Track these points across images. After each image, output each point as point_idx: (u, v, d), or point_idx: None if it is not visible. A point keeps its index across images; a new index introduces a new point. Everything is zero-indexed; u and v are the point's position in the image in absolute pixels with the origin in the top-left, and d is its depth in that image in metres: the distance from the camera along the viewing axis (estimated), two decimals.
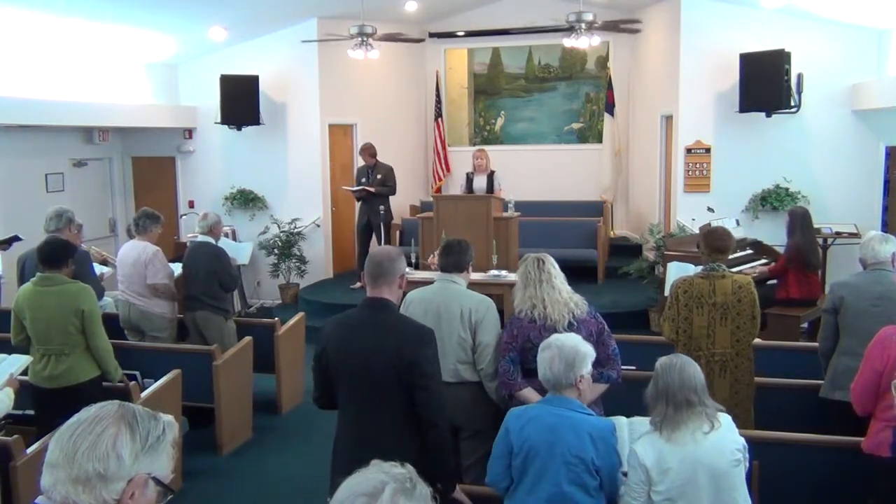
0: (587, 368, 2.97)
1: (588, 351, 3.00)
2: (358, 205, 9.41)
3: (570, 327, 3.58)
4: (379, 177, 9.02)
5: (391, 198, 9.18)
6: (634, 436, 3.18)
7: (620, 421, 3.41)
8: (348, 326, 3.11)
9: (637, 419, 3.31)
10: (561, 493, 2.81)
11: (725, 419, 2.93)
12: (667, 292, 4.95)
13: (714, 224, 7.19)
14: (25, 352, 4.50)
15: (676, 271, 5.60)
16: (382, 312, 3.09)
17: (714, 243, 4.39)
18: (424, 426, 3.01)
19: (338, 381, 3.11)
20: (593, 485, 2.84)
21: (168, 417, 1.58)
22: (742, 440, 2.94)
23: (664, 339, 4.51)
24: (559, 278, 3.76)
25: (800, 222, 6.57)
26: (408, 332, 3.05)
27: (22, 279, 5.54)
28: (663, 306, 7.40)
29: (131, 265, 5.98)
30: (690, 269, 5.24)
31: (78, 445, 1.44)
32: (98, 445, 1.44)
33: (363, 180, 9.07)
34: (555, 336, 3.09)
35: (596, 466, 2.83)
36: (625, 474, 3.00)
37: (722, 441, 2.86)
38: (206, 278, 5.97)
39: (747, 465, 3.00)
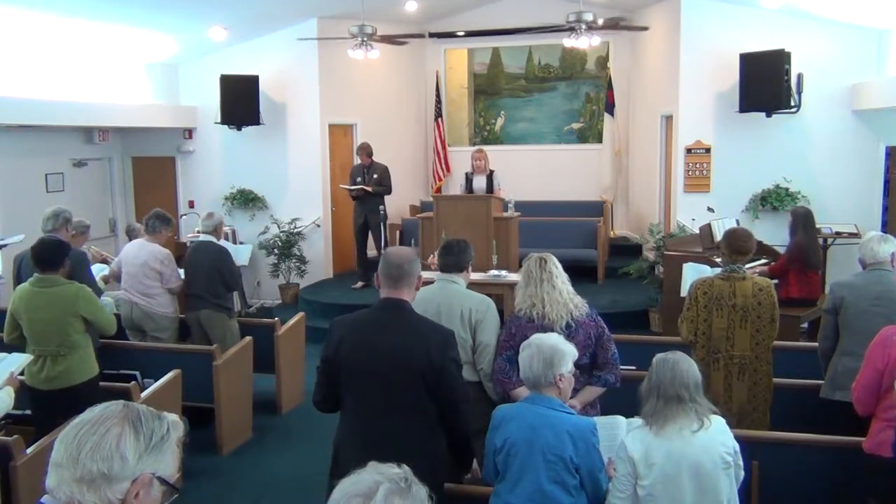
0: (567, 367, 2.96)
1: (568, 350, 3.00)
2: (354, 204, 9.39)
3: (568, 328, 3.57)
4: (375, 176, 9.03)
5: (386, 197, 9.18)
6: None
7: (619, 421, 3.41)
8: (366, 328, 3.06)
9: (636, 419, 3.30)
10: (541, 491, 2.82)
11: (718, 421, 2.92)
12: (684, 293, 4.92)
13: (714, 224, 7.21)
14: (20, 350, 4.47)
15: (693, 272, 5.57)
16: (403, 314, 3.07)
17: (735, 244, 4.37)
18: (451, 425, 3.03)
19: (350, 383, 3.05)
20: (573, 483, 2.84)
21: (173, 417, 1.58)
22: (734, 444, 2.91)
23: (664, 340, 4.51)
24: (560, 278, 3.74)
25: (802, 222, 6.57)
26: (433, 335, 3.03)
27: (18, 279, 5.52)
28: (664, 307, 7.42)
29: (139, 266, 5.97)
30: (707, 270, 5.21)
31: (82, 445, 1.44)
32: (102, 446, 1.44)
33: (358, 179, 9.07)
34: (536, 335, 3.09)
35: (575, 465, 2.83)
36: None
37: (710, 441, 2.85)
38: (210, 277, 5.96)
39: (743, 472, 2.97)
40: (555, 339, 3.03)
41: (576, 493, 2.86)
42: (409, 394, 2.97)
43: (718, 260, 5.36)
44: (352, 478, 1.50)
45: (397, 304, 3.07)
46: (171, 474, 1.53)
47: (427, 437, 3.01)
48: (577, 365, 3.16)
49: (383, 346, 2.98)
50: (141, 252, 6.03)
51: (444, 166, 11.43)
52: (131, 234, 7.20)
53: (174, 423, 1.56)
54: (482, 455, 3.79)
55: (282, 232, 9.74)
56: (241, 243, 8.75)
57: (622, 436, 3.21)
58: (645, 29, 9.49)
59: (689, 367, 2.92)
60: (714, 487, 2.83)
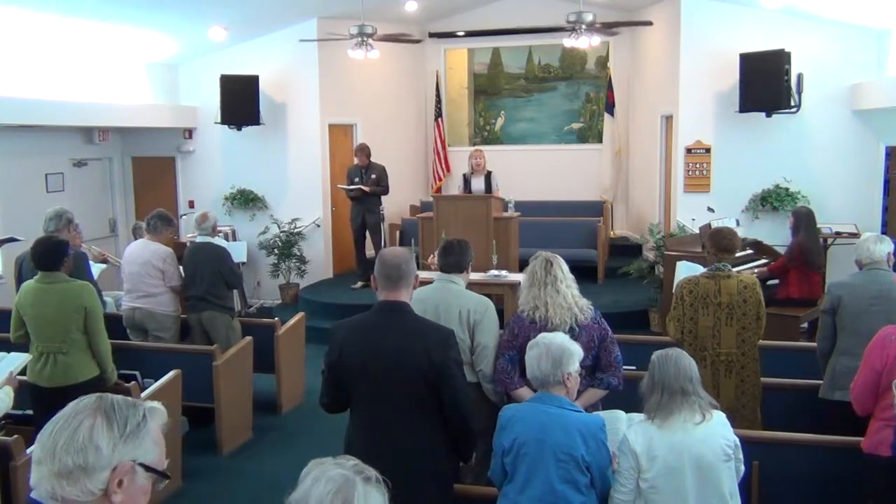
0: (574, 367, 2.99)
1: (575, 350, 3.02)
2: (350, 205, 9.39)
3: (572, 332, 3.56)
4: (373, 177, 9.03)
5: (384, 197, 9.19)
6: None
7: (619, 415, 3.41)
8: (368, 331, 3.07)
9: (636, 414, 3.31)
10: (552, 491, 2.82)
11: (719, 415, 2.96)
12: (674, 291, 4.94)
13: (714, 224, 7.21)
14: (24, 349, 4.48)
15: (686, 270, 5.59)
16: (403, 316, 3.08)
17: (720, 242, 4.41)
18: (453, 423, 3.02)
19: (355, 385, 3.07)
20: (584, 482, 2.85)
21: (151, 404, 1.56)
22: (734, 438, 2.95)
23: (664, 339, 4.52)
24: (565, 282, 3.71)
25: (804, 222, 6.58)
26: (433, 335, 3.04)
27: (19, 279, 5.53)
28: (664, 306, 7.41)
29: (141, 265, 5.98)
30: (699, 270, 5.23)
31: (57, 440, 1.44)
32: (75, 438, 1.44)
33: (356, 180, 9.07)
34: (543, 334, 3.11)
35: (586, 463, 2.85)
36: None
37: (711, 433, 2.89)
38: (212, 278, 5.97)
39: (743, 466, 3.00)
40: (562, 339, 3.06)
41: (586, 492, 2.87)
42: (412, 395, 2.98)
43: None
44: (316, 478, 1.50)
45: (397, 306, 3.08)
46: (156, 461, 1.51)
47: (433, 438, 3.02)
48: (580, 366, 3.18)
49: (384, 349, 2.99)
50: (144, 251, 6.04)
51: (444, 166, 11.43)
52: (137, 234, 7.21)
53: (151, 409, 1.54)
54: (478, 456, 3.80)
55: (282, 232, 9.74)
56: (231, 241, 8.76)
57: (623, 430, 3.22)
58: (649, 23, 9.45)
59: (689, 362, 2.98)
60: (716, 480, 2.86)
